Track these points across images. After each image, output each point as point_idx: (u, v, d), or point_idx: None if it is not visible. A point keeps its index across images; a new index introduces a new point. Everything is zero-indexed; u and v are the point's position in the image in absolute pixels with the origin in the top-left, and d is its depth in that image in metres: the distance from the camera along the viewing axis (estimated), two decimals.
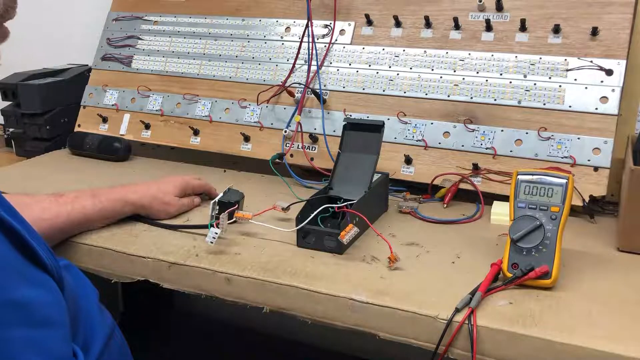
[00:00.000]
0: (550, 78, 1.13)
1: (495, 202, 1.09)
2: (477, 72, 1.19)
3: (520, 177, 0.87)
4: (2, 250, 0.58)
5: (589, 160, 1.07)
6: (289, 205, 1.02)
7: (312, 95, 1.29)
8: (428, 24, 1.25)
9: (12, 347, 0.57)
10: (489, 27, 1.20)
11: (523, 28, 1.17)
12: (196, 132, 1.40)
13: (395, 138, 1.21)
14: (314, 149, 1.28)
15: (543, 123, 1.12)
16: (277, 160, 1.23)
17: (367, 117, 1.24)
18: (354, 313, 0.81)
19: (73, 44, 1.85)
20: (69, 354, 0.63)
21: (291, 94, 1.31)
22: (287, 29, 1.39)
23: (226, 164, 1.39)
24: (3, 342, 0.56)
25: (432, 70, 1.22)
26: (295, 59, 1.32)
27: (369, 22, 1.31)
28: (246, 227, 1.01)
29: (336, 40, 1.33)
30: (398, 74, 1.25)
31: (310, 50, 1.30)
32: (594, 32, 1.11)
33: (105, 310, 0.86)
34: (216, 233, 0.93)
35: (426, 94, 1.22)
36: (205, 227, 0.96)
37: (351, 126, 1.09)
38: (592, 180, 1.06)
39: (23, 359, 0.57)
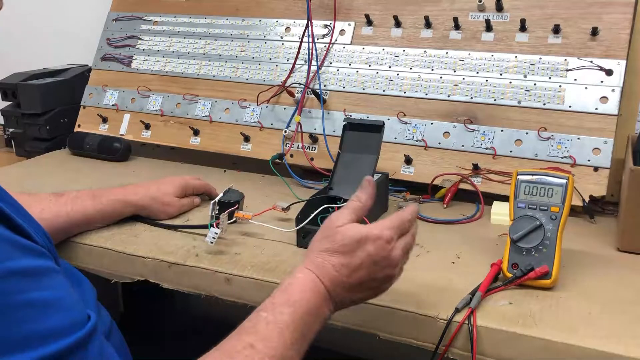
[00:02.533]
0: (550, 78, 1.13)
1: (495, 202, 1.09)
2: (477, 72, 1.19)
3: (520, 177, 0.87)
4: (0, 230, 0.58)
5: (589, 160, 1.07)
6: (289, 205, 1.02)
7: (312, 95, 1.29)
8: (428, 24, 1.25)
9: (33, 310, 0.57)
10: (489, 27, 1.20)
11: (523, 28, 1.17)
12: (196, 132, 1.40)
13: (395, 138, 1.21)
14: (314, 149, 1.28)
15: (543, 123, 1.11)
16: (277, 160, 1.24)
17: (367, 117, 1.24)
18: (353, 313, 0.81)
19: (73, 44, 1.85)
20: (85, 313, 0.63)
21: (291, 94, 1.31)
22: (287, 29, 1.39)
23: (226, 164, 1.39)
24: (23, 306, 0.57)
25: (432, 70, 1.22)
26: (295, 59, 1.32)
27: (369, 22, 1.31)
28: (246, 227, 1.01)
29: (336, 40, 1.33)
30: (398, 74, 1.25)
31: (310, 50, 1.30)
32: (594, 32, 1.11)
33: (104, 310, 0.86)
34: (216, 233, 0.93)
35: (426, 94, 1.22)
36: (205, 227, 0.96)
37: (351, 126, 1.09)
38: (592, 180, 1.06)
39: (47, 319, 0.58)
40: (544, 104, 1.13)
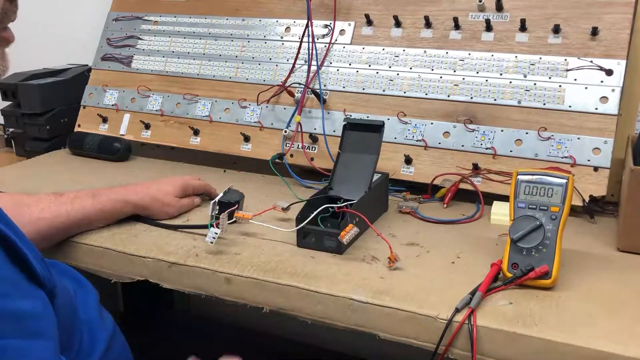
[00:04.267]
0: (550, 78, 1.13)
1: (495, 202, 1.09)
2: (477, 72, 1.19)
3: (520, 177, 0.87)
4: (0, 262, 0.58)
5: (589, 160, 1.07)
6: (289, 205, 1.02)
7: (312, 95, 1.29)
8: (428, 24, 1.25)
9: (4, 357, 0.57)
10: (489, 27, 1.20)
11: (523, 28, 1.17)
12: (196, 132, 1.40)
13: (395, 138, 1.21)
14: (314, 149, 1.28)
15: (543, 123, 1.11)
16: (277, 160, 1.24)
17: (367, 117, 1.24)
18: (354, 313, 0.81)
19: (73, 44, 1.85)
20: None
21: (291, 94, 1.31)
22: (287, 29, 1.39)
23: (226, 164, 1.39)
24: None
25: (432, 70, 1.22)
26: (295, 59, 1.32)
27: (369, 22, 1.31)
28: (246, 227, 1.01)
29: (336, 40, 1.33)
30: (398, 74, 1.25)
31: (310, 50, 1.30)
32: (594, 32, 1.11)
33: (106, 313, 0.86)
34: (216, 233, 0.93)
35: (426, 94, 1.22)
36: (205, 227, 0.96)
37: (351, 126, 1.09)
38: (592, 180, 1.06)
39: None
40: (544, 104, 1.13)
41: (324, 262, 0.91)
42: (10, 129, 1.59)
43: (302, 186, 1.24)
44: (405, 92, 1.24)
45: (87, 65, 1.69)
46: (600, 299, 0.79)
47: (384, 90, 1.25)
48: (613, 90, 1.09)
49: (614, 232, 1.01)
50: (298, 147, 1.28)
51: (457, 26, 1.22)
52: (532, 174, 0.87)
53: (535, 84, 1.14)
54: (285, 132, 1.28)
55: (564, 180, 0.85)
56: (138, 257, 0.96)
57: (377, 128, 1.07)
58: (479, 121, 1.16)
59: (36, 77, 1.61)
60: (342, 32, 1.33)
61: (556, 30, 1.14)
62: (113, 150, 1.45)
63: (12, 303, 0.58)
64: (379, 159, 1.05)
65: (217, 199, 1.01)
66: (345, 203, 0.97)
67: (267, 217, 1.02)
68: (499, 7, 1.20)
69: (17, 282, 0.60)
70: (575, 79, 1.12)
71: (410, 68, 1.24)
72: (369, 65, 1.28)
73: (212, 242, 0.93)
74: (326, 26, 1.33)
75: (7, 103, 1.61)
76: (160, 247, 0.96)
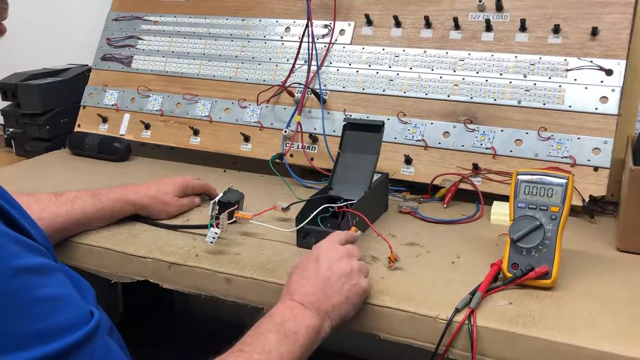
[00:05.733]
0: (550, 78, 1.13)
1: (495, 202, 1.09)
2: (477, 72, 1.19)
3: (520, 177, 0.87)
4: (1, 227, 0.60)
5: (589, 160, 1.07)
6: (289, 205, 1.02)
7: (312, 95, 1.29)
8: (428, 24, 1.25)
9: (44, 306, 0.59)
10: (489, 27, 1.20)
11: (523, 28, 1.17)
12: (196, 132, 1.40)
13: (395, 138, 1.21)
14: (314, 149, 1.28)
15: (543, 123, 1.11)
16: (277, 160, 1.23)
17: (367, 117, 1.24)
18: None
19: (73, 44, 1.85)
20: (88, 309, 0.65)
21: (291, 94, 1.31)
22: (287, 29, 1.39)
23: (226, 164, 1.39)
24: (34, 302, 0.58)
25: (432, 70, 1.22)
26: (295, 59, 1.32)
27: (369, 22, 1.31)
28: (246, 227, 1.01)
29: (336, 40, 1.33)
30: (398, 74, 1.25)
31: (310, 50, 1.30)
32: (594, 32, 1.11)
33: (103, 313, 0.86)
34: (216, 233, 0.93)
35: (426, 94, 1.22)
36: (205, 227, 0.96)
37: (351, 126, 1.09)
38: (592, 180, 1.06)
39: (57, 315, 0.59)
40: (544, 104, 1.13)
41: None
42: (10, 129, 1.59)
43: (302, 186, 1.24)
44: (405, 92, 1.24)
45: (87, 65, 1.69)
46: (600, 299, 0.79)
47: (384, 90, 1.25)
48: (613, 90, 1.09)
49: (613, 232, 1.01)
50: (298, 147, 1.28)
51: (457, 26, 1.22)
52: (532, 174, 0.87)
53: (535, 84, 1.14)
54: (285, 132, 1.28)
55: (564, 180, 0.85)
56: (138, 257, 0.96)
57: (377, 128, 1.07)
58: (479, 121, 1.16)
59: (36, 77, 1.61)
60: (342, 32, 1.33)
61: (556, 30, 1.14)
62: (113, 150, 1.45)
63: (24, 259, 0.59)
64: (379, 159, 1.05)
65: (217, 199, 1.01)
66: (345, 203, 0.97)
67: (267, 217, 1.02)
68: (499, 7, 1.20)
69: (24, 243, 0.62)
70: (575, 79, 1.12)
71: (410, 68, 1.24)
72: (369, 65, 1.28)
73: (212, 242, 0.93)
74: (326, 26, 1.33)
75: (7, 103, 1.61)
76: (160, 247, 0.96)
